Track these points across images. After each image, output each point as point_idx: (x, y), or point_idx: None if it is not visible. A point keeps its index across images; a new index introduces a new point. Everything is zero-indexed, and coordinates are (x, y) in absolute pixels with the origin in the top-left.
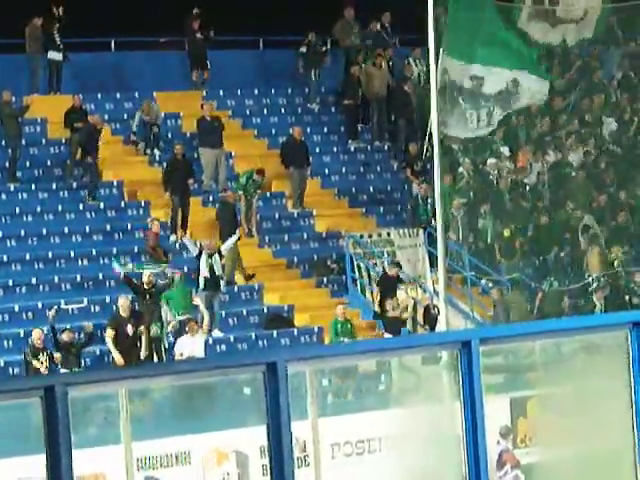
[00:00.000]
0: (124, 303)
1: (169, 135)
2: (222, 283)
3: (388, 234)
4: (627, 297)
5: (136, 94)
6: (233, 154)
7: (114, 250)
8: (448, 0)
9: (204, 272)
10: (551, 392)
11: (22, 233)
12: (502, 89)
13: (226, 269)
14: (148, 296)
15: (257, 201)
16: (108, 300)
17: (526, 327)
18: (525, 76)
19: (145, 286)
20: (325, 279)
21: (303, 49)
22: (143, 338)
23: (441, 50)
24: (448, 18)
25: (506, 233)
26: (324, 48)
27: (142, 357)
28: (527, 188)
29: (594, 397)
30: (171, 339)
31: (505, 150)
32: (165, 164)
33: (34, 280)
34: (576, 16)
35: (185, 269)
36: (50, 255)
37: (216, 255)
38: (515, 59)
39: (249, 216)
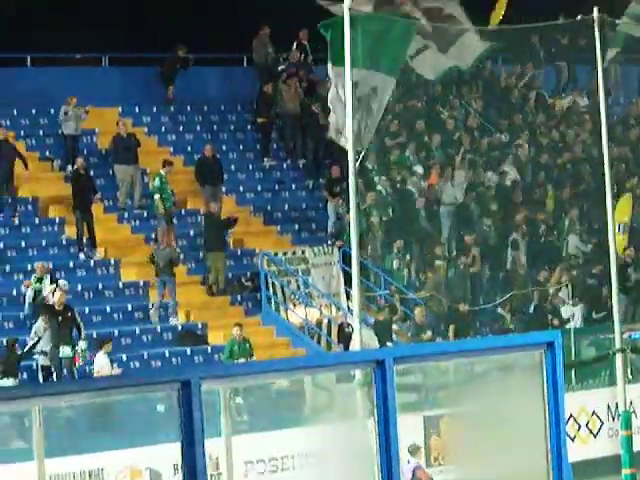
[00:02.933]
0: (39, 324)
1: (85, 151)
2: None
3: (303, 252)
4: (549, 317)
5: (52, 110)
6: (148, 171)
7: (28, 267)
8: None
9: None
10: (464, 411)
11: None
12: None
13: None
14: (60, 317)
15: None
16: (22, 317)
17: (440, 347)
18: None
19: (57, 306)
20: (239, 297)
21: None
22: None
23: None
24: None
25: (422, 251)
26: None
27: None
28: (443, 206)
29: (508, 416)
30: (87, 358)
31: (419, 168)
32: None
33: None
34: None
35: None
36: None
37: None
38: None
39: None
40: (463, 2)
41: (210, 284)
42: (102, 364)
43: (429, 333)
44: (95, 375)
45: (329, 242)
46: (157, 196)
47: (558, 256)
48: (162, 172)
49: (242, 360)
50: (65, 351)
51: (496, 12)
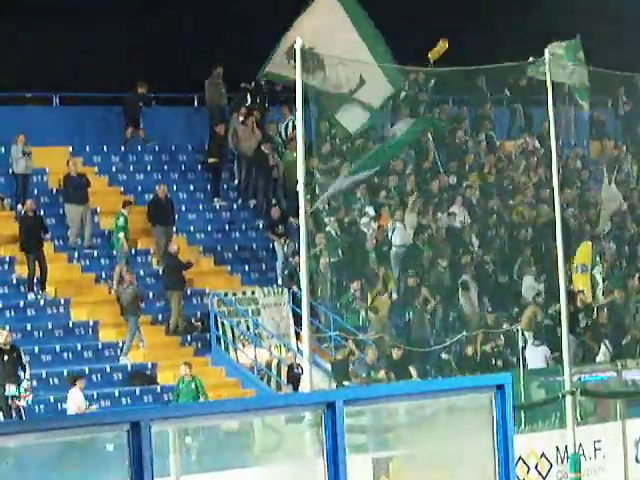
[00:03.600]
0: None
1: (35, 191)
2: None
3: (252, 292)
4: (493, 359)
5: (2, 149)
6: (99, 210)
7: None
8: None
9: None
10: (414, 453)
11: None
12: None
13: None
14: (5, 356)
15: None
16: None
17: (391, 388)
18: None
19: (2, 346)
20: (189, 337)
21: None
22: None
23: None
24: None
25: (373, 293)
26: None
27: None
28: (394, 247)
29: (457, 458)
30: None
31: (370, 210)
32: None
33: None
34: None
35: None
36: None
37: None
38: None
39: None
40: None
41: (170, 324)
42: (77, 400)
43: (382, 372)
44: (69, 412)
45: (279, 283)
46: (122, 234)
47: (512, 297)
48: (124, 211)
49: (189, 399)
50: (11, 390)
51: (436, 49)
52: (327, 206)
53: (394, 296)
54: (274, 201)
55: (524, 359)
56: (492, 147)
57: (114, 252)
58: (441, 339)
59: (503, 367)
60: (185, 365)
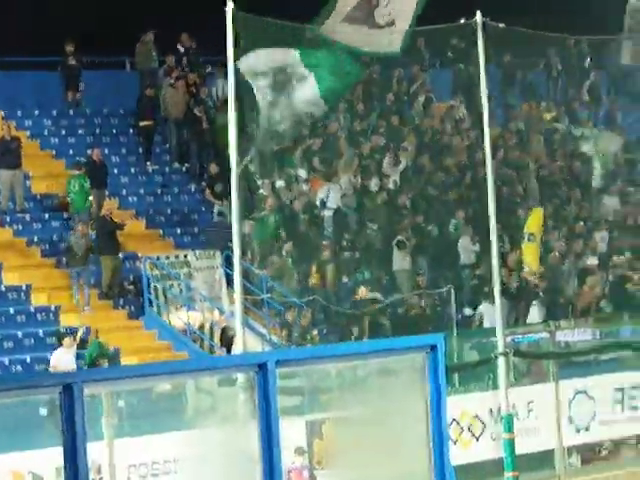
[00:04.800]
0: None
1: None
2: None
3: (185, 256)
4: (427, 321)
5: None
6: (31, 175)
7: None
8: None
9: None
10: (347, 415)
11: None
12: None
13: None
14: None
15: None
16: None
17: (322, 350)
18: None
19: None
20: (122, 300)
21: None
22: None
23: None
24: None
25: (306, 255)
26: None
27: None
28: (325, 211)
29: (390, 420)
30: None
31: (302, 173)
32: None
33: None
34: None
35: None
36: None
37: None
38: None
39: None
40: None
41: (103, 287)
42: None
43: (315, 332)
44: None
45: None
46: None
47: (447, 259)
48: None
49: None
50: None
51: None
52: (260, 168)
53: (328, 259)
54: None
55: (457, 321)
56: (429, 109)
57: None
58: (374, 301)
59: (437, 329)
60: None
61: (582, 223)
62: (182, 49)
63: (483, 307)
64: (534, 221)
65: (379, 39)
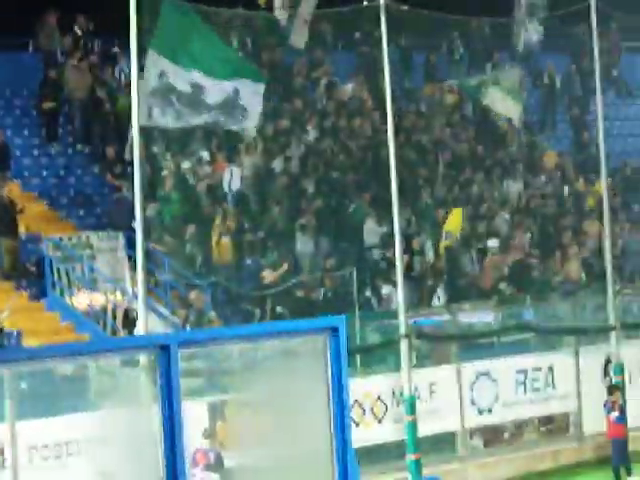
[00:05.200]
0: None
1: None
2: None
3: (87, 237)
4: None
5: None
6: None
7: None
8: (161, 4)
9: None
10: (249, 397)
11: None
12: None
13: None
14: None
15: None
16: None
17: (224, 331)
18: (245, 84)
19: None
20: (24, 282)
21: None
22: None
23: (151, 52)
24: (160, 21)
25: (213, 237)
26: None
27: None
28: (227, 192)
29: (292, 402)
30: None
31: (205, 154)
32: None
33: None
34: None
35: None
36: None
37: None
38: (233, 69)
39: None
40: None
41: (4, 269)
42: None
43: (212, 314)
44: None
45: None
46: None
47: (352, 240)
48: None
49: None
50: None
51: None
52: (164, 149)
53: (229, 241)
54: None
55: (360, 303)
56: (332, 92)
57: None
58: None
59: (340, 311)
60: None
61: (485, 205)
62: (79, 31)
63: (385, 289)
64: (454, 222)
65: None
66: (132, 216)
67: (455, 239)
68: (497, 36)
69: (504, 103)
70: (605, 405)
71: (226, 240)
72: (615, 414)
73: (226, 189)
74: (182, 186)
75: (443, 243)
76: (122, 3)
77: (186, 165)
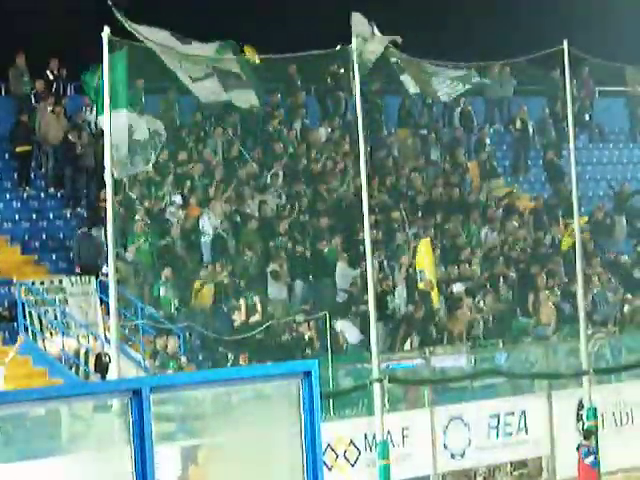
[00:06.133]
0: None
1: None
2: None
3: (60, 281)
4: (303, 348)
5: None
6: None
7: None
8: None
9: None
10: (222, 441)
11: None
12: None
13: None
14: None
15: None
16: None
17: (197, 376)
18: None
19: None
20: None
21: None
22: None
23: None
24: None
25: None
26: None
27: None
28: (203, 236)
29: (265, 446)
30: None
31: (177, 199)
32: None
33: None
34: None
35: None
36: None
37: None
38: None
39: None
40: None
41: None
42: None
43: (183, 359)
44: None
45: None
46: None
47: (325, 284)
48: None
49: None
50: None
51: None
52: (138, 193)
53: (204, 285)
54: (85, 191)
55: (332, 346)
56: (305, 135)
57: None
58: (249, 328)
59: (313, 355)
60: None
61: (458, 249)
62: (51, 75)
63: (340, 324)
64: (423, 254)
65: None
66: (100, 256)
67: (429, 281)
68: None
69: None
70: (578, 449)
71: (209, 287)
72: (591, 459)
73: (203, 231)
74: (159, 230)
75: (420, 285)
76: (95, 48)
77: (160, 209)
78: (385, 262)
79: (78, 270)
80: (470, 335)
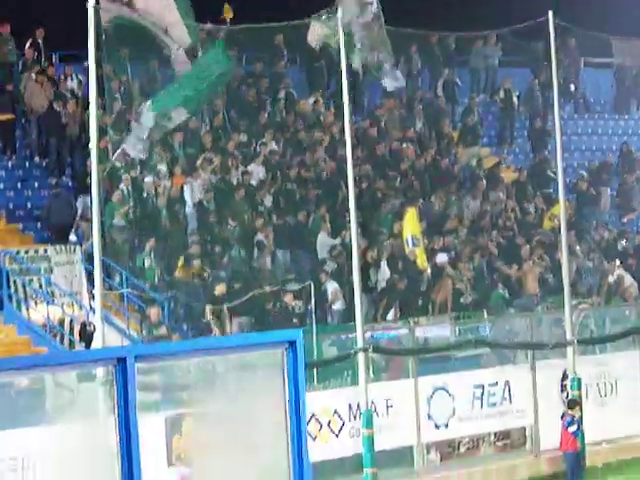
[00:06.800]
0: None
1: None
2: None
3: (45, 250)
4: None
5: None
6: None
7: None
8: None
9: None
10: (206, 411)
11: None
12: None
13: None
14: None
15: None
16: None
17: (181, 345)
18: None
19: None
20: None
21: None
22: None
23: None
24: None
25: (167, 251)
26: None
27: None
28: (188, 206)
29: (249, 416)
30: None
31: (163, 168)
32: None
33: None
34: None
35: None
36: None
37: None
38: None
39: None
40: None
41: None
42: None
43: (163, 329)
44: None
45: (72, 240)
46: None
47: (308, 253)
48: None
49: None
50: None
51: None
52: (124, 163)
53: (193, 254)
54: (69, 160)
55: (317, 316)
56: (290, 105)
57: None
58: (237, 297)
59: (297, 324)
60: None
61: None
62: (38, 43)
63: (330, 285)
64: (411, 223)
65: None
66: (71, 212)
67: (416, 246)
68: (456, 51)
69: None
70: (562, 417)
71: (196, 262)
72: (574, 428)
73: (188, 202)
74: (141, 199)
75: (409, 250)
76: (82, 17)
77: (150, 179)
78: (369, 232)
79: (49, 233)
80: (453, 306)
